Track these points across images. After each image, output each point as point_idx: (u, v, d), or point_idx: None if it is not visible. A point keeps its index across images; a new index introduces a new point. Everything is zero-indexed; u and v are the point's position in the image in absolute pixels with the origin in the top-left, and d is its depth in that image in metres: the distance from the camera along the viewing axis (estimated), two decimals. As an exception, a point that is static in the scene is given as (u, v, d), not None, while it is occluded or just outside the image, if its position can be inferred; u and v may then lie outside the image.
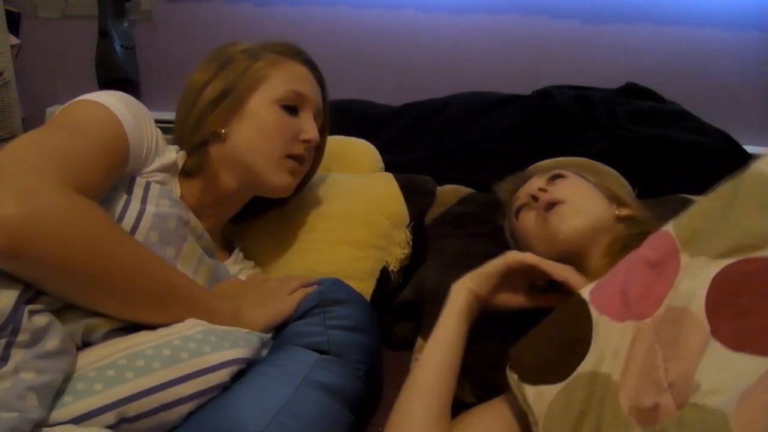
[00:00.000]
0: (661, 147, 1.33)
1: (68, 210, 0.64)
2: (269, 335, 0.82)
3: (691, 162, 1.30)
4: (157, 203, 0.84)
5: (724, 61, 1.64)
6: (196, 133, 0.93)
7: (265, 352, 0.81)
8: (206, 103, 0.93)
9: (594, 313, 0.70)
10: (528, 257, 0.85)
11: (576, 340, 0.69)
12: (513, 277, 0.88)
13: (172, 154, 0.92)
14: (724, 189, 0.69)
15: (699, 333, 0.59)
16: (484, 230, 1.11)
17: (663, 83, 1.56)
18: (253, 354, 0.76)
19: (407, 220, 1.13)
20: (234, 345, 0.74)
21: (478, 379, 0.91)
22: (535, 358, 0.73)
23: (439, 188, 1.28)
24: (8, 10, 2.00)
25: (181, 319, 0.74)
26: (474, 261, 1.04)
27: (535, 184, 1.00)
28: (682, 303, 0.62)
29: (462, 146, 1.45)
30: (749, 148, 1.40)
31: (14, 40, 2.04)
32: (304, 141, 0.95)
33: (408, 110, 1.59)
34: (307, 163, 1.00)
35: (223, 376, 0.71)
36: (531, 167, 1.10)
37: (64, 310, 0.69)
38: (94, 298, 0.69)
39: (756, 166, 0.66)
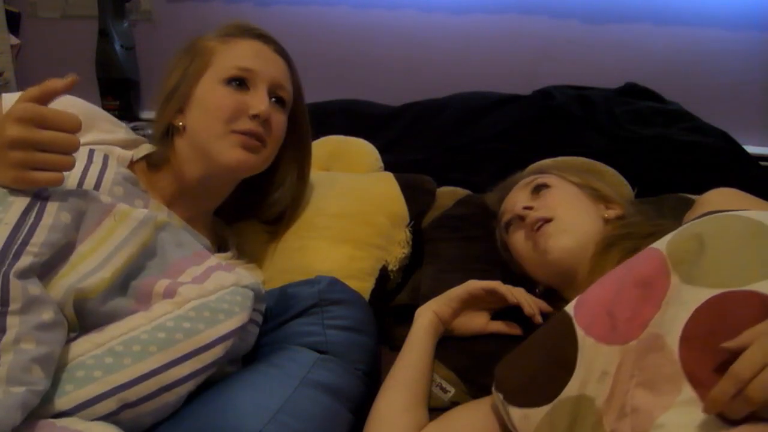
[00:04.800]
0: (661, 147, 1.33)
1: None
2: (260, 283, 0.84)
3: (691, 162, 1.30)
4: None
5: (725, 61, 1.63)
6: (157, 124, 0.95)
7: (262, 307, 0.84)
8: (165, 94, 0.94)
9: (580, 332, 0.69)
10: (487, 283, 0.91)
11: (561, 361, 0.69)
12: (477, 302, 0.93)
13: (119, 132, 0.96)
14: (719, 218, 0.69)
15: (670, 364, 0.59)
16: (481, 234, 1.11)
17: (663, 83, 1.56)
18: (249, 315, 0.77)
19: (407, 219, 1.13)
20: (229, 315, 0.74)
21: (474, 381, 0.92)
22: (521, 379, 0.72)
23: (437, 190, 1.28)
24: (8, 10, 2.00)
25: None
26: (470, 265, 1.05)
27: (519, 199, 0.98)
28: (663, 330, 0.62)
29: (462, 146, 1.45)
30: (749, 148, 1.40)
31: (14, 40, 2.04)
32: (253, 116, 0.90)
33: (408, 110, 1.59)
34: (272, 140, 0.95)
35: (218, 352, 0.72)
36: (518, 175, 1.08)
37: (52, 277, 0.69)
38: None
39: (747, 213, 0.68)
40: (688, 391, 0.57)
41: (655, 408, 0.58)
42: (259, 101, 0.91)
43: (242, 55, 0.94)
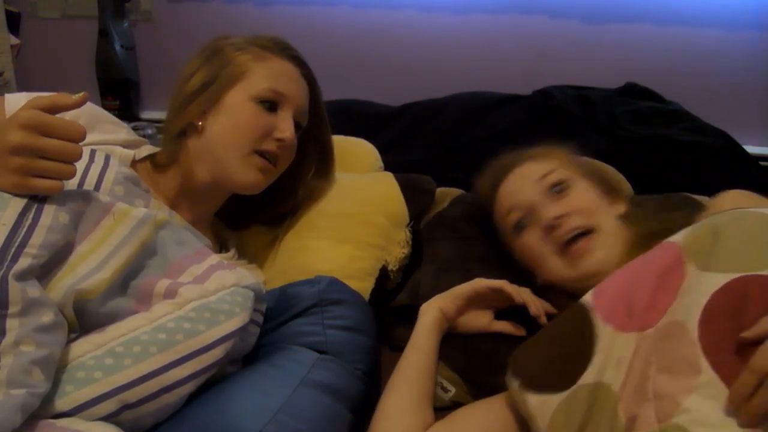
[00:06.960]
0: (661, 147, 1.33)
1: None
2: (261, 283, 0.84)
3: (691, 162, 1.30)
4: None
5: (725, 61, 1.64)
6: (175, 122, 0.94)
7: (263, 307, 0.83)
8: (188, 93, 0.94)
9: (599, 321, 0.70)
10: (494, 282, 0.90)
11: (579, 349, 0.69)
12: (482, 300, 0.92)
13: (121, 132, 0.96)
14: (733, 212, 0.70)
15: (689, 346, 0.60)
16: (477, 233, 1.10)
17: (663, 83, 1.56)
18: (249, 316, 0.77)
19: (407, 219, 1.13)
20: (230, 315, 0.74)
21: (475, 380, 0.92)
22: (538, 365, 0.73)
23: (437, 190, 1.27)
24: (8, 10, 2.00)
25: None
26: (467, 265, 1.04)
27: (530, 195, 0.91)
28: (682, 317, 0.63)
29: (462, 146, 1.45)
30: (749, 148, 1.41)
31: (14, 40, 2.04)
32: (278, 139, 0.94)
33: (408, 110, 1.59)
34: (282, 162, 0.98)
35: (218, 353, 0.72)
36: (510, 156, 1.02)
37: (51, 278, 0.69)
38: None
39: (760, 209, 0.69)
40: (708, 372, 0.58)
41: (678, 392, 0.59)
42: (285, 127, 0.94)
43: (277, 76, 0.96)
